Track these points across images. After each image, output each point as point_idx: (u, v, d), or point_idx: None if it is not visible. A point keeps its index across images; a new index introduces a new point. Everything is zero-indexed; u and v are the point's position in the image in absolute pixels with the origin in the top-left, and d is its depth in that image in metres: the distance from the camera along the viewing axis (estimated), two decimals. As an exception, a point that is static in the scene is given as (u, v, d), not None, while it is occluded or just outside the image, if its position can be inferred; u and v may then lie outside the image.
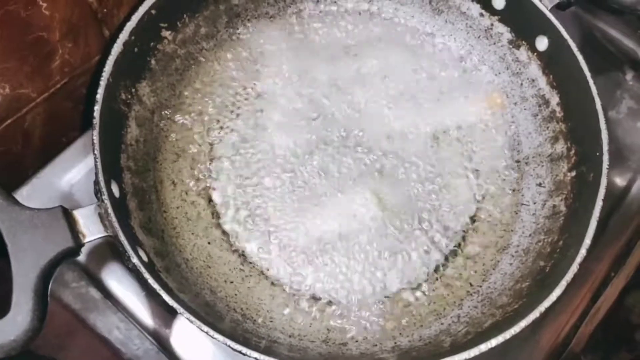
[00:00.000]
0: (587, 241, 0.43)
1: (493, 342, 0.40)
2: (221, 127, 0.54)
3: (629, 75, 0.67)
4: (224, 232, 0.50)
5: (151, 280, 0.39)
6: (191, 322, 0.39)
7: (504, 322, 0.44)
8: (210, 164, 0.52)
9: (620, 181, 0.61)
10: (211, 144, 0.53)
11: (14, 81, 0.47)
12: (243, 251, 0.50)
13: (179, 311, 0.39)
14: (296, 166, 0.53)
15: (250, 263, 0.49)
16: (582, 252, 0.43)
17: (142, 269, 0.40)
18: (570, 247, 0.45)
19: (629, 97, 0.66)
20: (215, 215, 0.51)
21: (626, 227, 0.60)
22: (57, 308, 0.51)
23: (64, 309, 0.52)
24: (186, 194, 0.51)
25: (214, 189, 0.52)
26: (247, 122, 0.54)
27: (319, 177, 0.53)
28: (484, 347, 0.40)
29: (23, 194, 0.52)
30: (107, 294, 0.52)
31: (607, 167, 0.46)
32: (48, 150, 0.55)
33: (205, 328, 0.39)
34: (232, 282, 0.48)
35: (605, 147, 0.46)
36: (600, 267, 0.59)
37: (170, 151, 0.52)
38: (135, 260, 0.40)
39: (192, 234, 0.50)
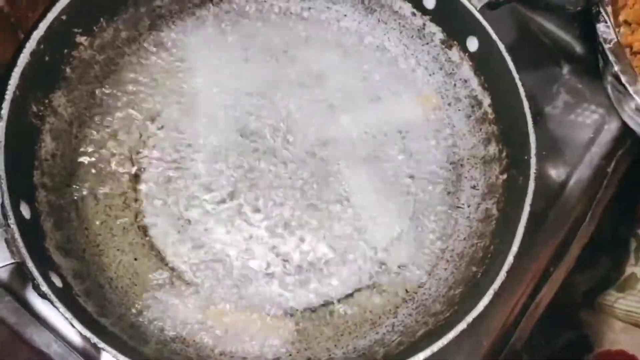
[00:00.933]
0: (515, 248, 0.43)
1: (421, 356, 0.39)
2: (147, 136, 0.51)
3: (565, 69, 0.67)
4: (152, 247, 0.48)
5: (62, 309, 0.37)
6: (107, 351, 0.37)
7: (435, 331, 0.43)
8: (135, 174, 0.50)
9: (557, 176, 0.61)
10: (137, 152, 0.51)
11: None
12: (172, 266, 0.48)
13: (92, 340, 0.37)
14: (225, 175, 0.51)
15: (180, 278, 0.48)
16: (510, 259, 0.43)
17: (53, 298, 0.37)
18: (500, 252, 0.44)
19: (565, 92, 0.66)
20: (142, 229, 0.49)
21: (564, 222, 0.61)
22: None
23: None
24: (110, 208, 0.49)
25: (140, 200, 0.49)
26: (173, 128, 0.52)
27: (249, 190, 0.51)
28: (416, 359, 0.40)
29: None
30: (33, 313, 0.50)
31: (535, 172, 0.45)
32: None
33: (122, 357, 0.37)
34: (160, 300, 0.47)
35: (533, 151, 0.46)
36: (539, 264, 0.59)
37: (91, 164, 0.50)
38: (44, 288, 0.38)
39: (118, 250, 0.48)
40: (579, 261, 0.63)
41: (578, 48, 0.66)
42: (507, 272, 0.44)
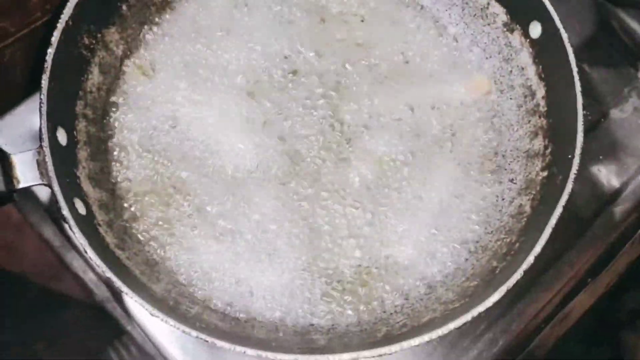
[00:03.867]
0: (538, 249, 0.41)
1: (417, 341, 0.38)
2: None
3: (641, 72, 0.62)
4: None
5: (78, 234, 0.39)
6: (113, 281, 0.39)
7: (441, 319, 0.42)
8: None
9: (611, 183, 0.58)
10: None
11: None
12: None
13: (102, 268, 0.39)
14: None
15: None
16: (530, 259, 0.40)
17: (71, 222, 0.39)
18: (523, 251, 0.42)
19: (637, 96, 0.61)
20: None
21: (611, 233, 0.57)
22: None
23: (45, 243, 0.52)
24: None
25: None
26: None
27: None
28: (413, 342, 0.39)
29: (-6, 130, 0.52)
30: (69, 239, 0.52)
31: (575, 173, 0.43)
32: (29, 88, 0.55)
33: (125, 289, 0.38)
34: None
35: (578, 151, 0.43)
36: (574, 272, 0.56)
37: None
38: (65, 212, 0.39)
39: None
40: (630, 278, 0.60)
41: (659, 52, 0.61)
42: (528, 273, 0.42)
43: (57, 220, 0.52)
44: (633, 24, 0.63)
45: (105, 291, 0.53)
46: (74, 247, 0.52)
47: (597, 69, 0.61)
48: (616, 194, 0.58)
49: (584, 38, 0.61)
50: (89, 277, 0.53)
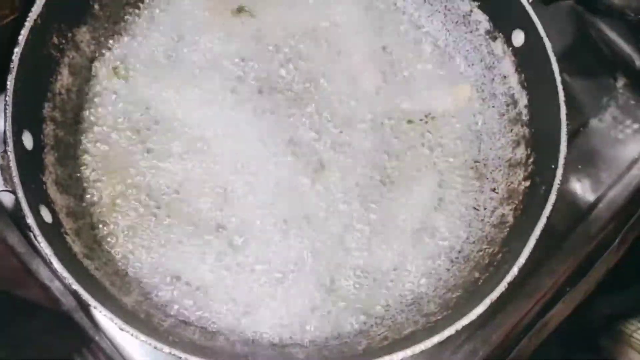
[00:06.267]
0: (522, 260, 0.40)
1: (400, 355, 0.37)
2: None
3: (620, 82, 0.62)
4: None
5: (43, 244, 0.37)
6: (80, 294, 0.36)
7: (423, 332, 0.41)
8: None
9: (588, 193, 0.58)
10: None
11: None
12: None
13: (68, 280, 0.37)
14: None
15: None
16: (514, 270, 0.40)
17: (36, 232, 0.37)
18: (506, 262, 0.42)
19: (615, 106, 0.62)
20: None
21: (588, 243, 0.57)
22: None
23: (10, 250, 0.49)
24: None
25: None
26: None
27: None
28: (396, 356, 0.38)
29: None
30: (34, 247, 0.50)
31: (559, 183, 0.42)
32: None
33: (93, 302, 0.36)
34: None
35: (561, 161, 0.43)
36: (553, 282, 0.56)
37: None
38: (29, 220, 0.37)
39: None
40: (607, 284, 0.60)
41: (638, 62, 0.62)
42: (511, 284, 0.41)
43: (22, 226, 0.49)
44: (611, 34, 0.63)
45: (72, 300, 0.50)
46: (40, 255, 0.49)
47: (576, 79, 0.61)
48: (594, 203, 0.58)
49: (563, 47, 0.61)
50: (55, 286, 0.51)
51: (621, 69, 0.62)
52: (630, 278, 0.70)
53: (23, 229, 0.49)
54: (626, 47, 0.62)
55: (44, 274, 0.51)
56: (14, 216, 0.50)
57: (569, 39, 0.62)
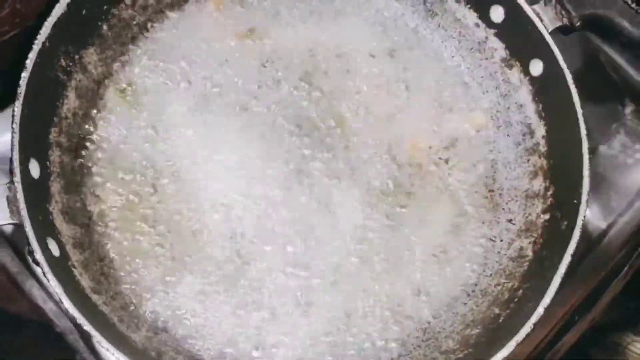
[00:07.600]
0: (547, 300, 0.39)
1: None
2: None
3: (629, 109, 0.62)
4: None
5: (54, 283, 0.35)
6: (92, 335, 0.35)
7: (444, 371, 0.40)
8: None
9: (599, 222, 0.57)
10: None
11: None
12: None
13: (78, 320, 0.35)
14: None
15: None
16: (540, 310, 0.39)
17: (46, 268, 0.35)
18: (529, 300, 0.41)
19: (625, 133, 0.61)
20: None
21: (599, 272, 0.56)
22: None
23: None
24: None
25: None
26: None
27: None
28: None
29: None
30: (32, 271, 0.48)
31: (583, 218, 0.41)
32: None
33: (106, 344, 0.34)
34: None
35: (584, 197, 0.42)
36: (564, 312, 0.55)
37: (113, 129, 0.47)
38: (38, 256, 0.35)
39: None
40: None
41: (647, 90, 0.62)
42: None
43: (14, 243, 0.47)
44: (620, 59, 0.63)
45: (66, 322, 0.48)
46: (34, 276, 0.48)
47: (584, 105, 0.61)
48: (605, 230, 0.57)
49: (572, 73, 0.61)
50: (49, 307, 0.49)
51: (630, 96, 0.61)
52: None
53: (15, 245, 0.47)
54: (635, 74, 0.62)
55: (37, 295, 0.49)
56: (10, 241, 0.48)
57: (576, 65, 0.62)
